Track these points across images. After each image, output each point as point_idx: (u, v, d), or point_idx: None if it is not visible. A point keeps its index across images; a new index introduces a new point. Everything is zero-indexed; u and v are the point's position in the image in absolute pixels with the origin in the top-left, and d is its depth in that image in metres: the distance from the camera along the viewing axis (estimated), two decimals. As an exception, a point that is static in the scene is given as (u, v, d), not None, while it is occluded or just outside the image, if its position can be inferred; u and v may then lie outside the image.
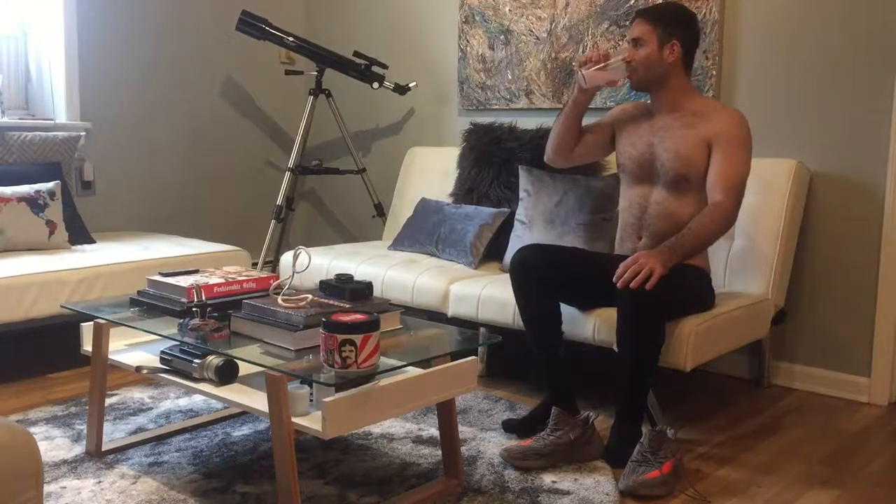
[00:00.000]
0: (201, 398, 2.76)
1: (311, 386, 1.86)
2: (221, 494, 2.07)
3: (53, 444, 2.37)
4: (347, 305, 2.05)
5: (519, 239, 3.18)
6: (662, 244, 2.36)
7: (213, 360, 2.01)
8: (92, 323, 2.27)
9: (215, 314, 2.13)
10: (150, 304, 2.27)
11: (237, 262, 3.39)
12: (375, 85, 4.00)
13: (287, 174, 4.12)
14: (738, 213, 2.48)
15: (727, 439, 2.55)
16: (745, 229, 2.92)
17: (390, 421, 2.57)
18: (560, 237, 3.05)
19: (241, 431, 2.49)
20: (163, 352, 2.13)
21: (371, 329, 1.75)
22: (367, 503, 2.05)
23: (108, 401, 2.71)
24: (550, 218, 3.11)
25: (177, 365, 2.08)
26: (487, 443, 2.43)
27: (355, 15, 4.46)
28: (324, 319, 1.76)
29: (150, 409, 2.69)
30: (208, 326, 2.05)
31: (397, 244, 3.57)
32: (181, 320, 2.10)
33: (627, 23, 2.70)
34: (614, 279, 2.27)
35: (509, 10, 3.76)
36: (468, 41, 3.93)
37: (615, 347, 2.52)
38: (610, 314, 2.53)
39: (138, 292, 2.32)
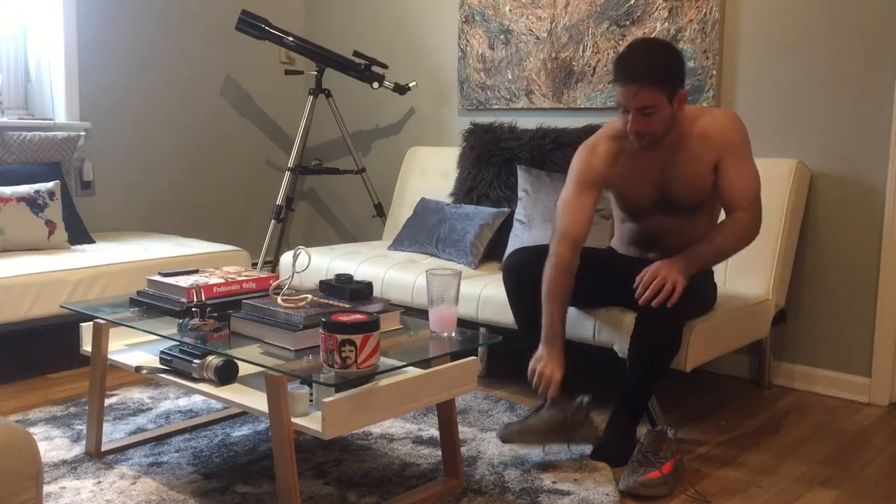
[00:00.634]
0: (201, 398, 2.76)
1: (310, 386, 1.86)
2: (221, 495, 2.07)
3: (53, 445, 2.37)
4: (347, 305, 2.05)
5: (518, 239, 3.18)
6: (681, 254, 2.26)
7: (213, 360, 2.01)
8: (91, 323, 2.27)
9: (215, 314, 2.12)
10: (150, 304, 2.27)
11: (237, 263, 3.39)
12: (375, 85, 3.99)
13: (287, 174, 4.11)
14: (761, 224, 2.36)
15: (727, 439, 2.55)
16: (746, 229, 2.92)
17: (390, 421, 2.57)
18: (560, 237, 3.04)
19: (241, 431, 2.49)
20: (162, 352, 2.13)
21: (371, 329, 1.75)
22: (366, 503, 2.04)
23: (107, 401, 2.71)
24: (550, 217, 3.10)
25: (176, 365, 2.08)
26: (487, 443, 2.43)
27: (355, 15, 4.46)
28: (324, 319, 1.76)
29: (150, 409, 2.68)
30: (208, 326, 2.04)
31: (397, 244, 3.57)
32: (181, 320, 2.10)
33: (612, 71, 2.29)
34: (636, 296, 2.21)
35: (509, 10, 3.76)
36: (468, 41, 3.93)
37: (616, 349, 2.52)
38: (610, 315, 2.53)
39: (138, 292, 2.32)
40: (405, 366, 1.93)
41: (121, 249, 3.39)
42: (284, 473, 1.79)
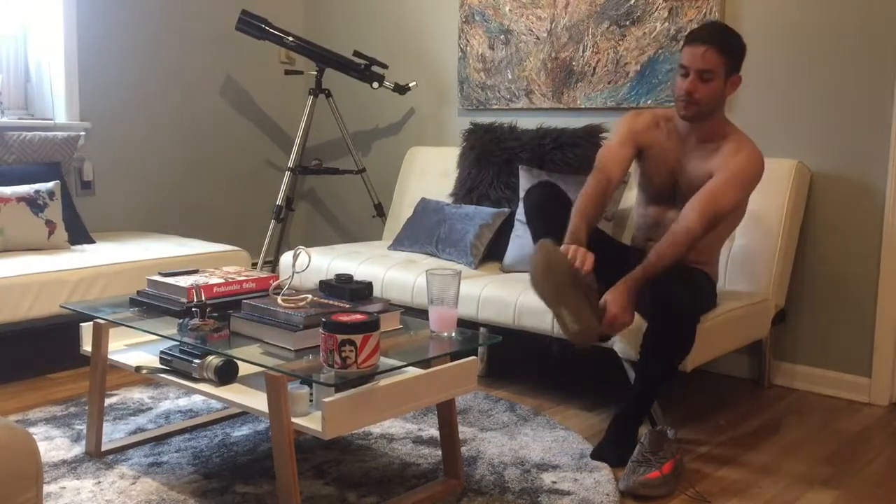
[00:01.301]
0: (201, 398, 2.76)
1: (310, 386, 1.86)
2: (221, 495, 2.07)
3: (53, 445, 2.37)
4: (347, 305, 2.05)
5: (519, 239, 3.18)
6: (629, 283, 2.31)
7: (213, 360, 2.01)
8: (91, 323, 2.27)
9: (215, 314, 2.12)
10: (150, 304, 2.27)
11: (237, 262, 3.39)
12: (375, 85, 3.99)
13: (287, 174, 4.12)
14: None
15: (727, 439, 2.55)
16: (745, 229, 2.92)
17: (390, 421, 2.57)
18: (560, 237, 3.04)
19: (241, 431, 2.49)
20: (162, 352, 2.13)
21: (371, 329, 1.75)
22: (366, 503, 2.04)
23: (107, 401, 2.71)
24: (550, 218, 3.11)
25: (176, 365, 2.08)
26: (487, 443, 2.43)
27: (355, 15, 4.46)
28: (323, 319, 1.76)
29: (150, 409, 2.68)
30: (208, 326, 2.04)
31: (397, 244, 3.57)
32: (181, 320, 2.10)
33: (683, 42, 2.44)
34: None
35: (509, 10, 3.76)
36: (468, 41, 3.93)
37: (616, 349, 2.51)
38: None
39: (138, 292, 2.32)
40: (405, 366, 1.93)
41: (121, 249, 3.39)
42: (284, 473, 1.79)
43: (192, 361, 2.03)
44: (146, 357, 2.25)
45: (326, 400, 1.72)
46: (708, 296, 2.55)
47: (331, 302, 2.09)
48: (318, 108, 4.31)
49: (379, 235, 4.14)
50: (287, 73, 4.35)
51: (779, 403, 2.92)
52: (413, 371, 1.96)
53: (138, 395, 2.82)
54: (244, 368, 2.04)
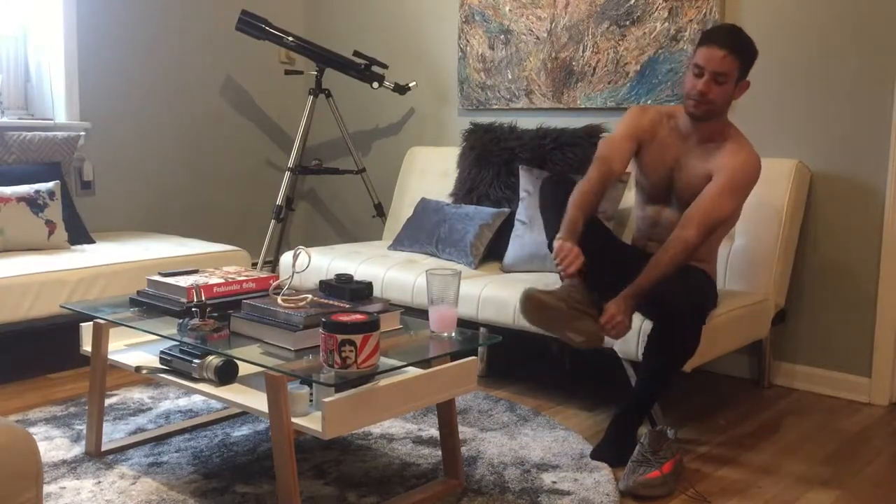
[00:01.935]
0: (201, 398, 2.76)
1: (310, 386, 1.86)
2: (221, 495, 2.07)
3: (53, 445, 2.37)
4: (347, 305, 2.05)
5: (519, 239, 3.18)
6: (630, 293, 2.31)
7: (213, 360, 2.01)
8: (91, 323, 2.27)
9: (215, 314, 2.12)
10: (150, 304, 2.27)
11: (237, 262, 3.39)
12: (375, 85, 3.99)
13: (287, 174, 4.11)
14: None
15: (727, 439, 2.55)
16: (745, 229, 2.92)
17: (390, 421, 2.57)
18: (560, 237, 3.04)
19: (241, 432, 2.49)
20: (162, 352, 2.13)
21: (371, 329, 1.75)
22: (366, 503, 2.04)
23: (107, 401, 2.71)
24: (550, 218, 3.11)
25: (176, 365, 2.08)
26: (487, 443, 2.43)
27: (355, 15, 4.46)
28: (323, 319, 1.76)
29: (150, 409, 2.68)
30: (208, 326, 2.04)
31: (397, 244, 3.57)
32: (181, 320, 2.10)
33: (699, 41, 2.43)
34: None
35: (509, 10, 3.76)
36: (468, 41, 3.93)
37: (616, 349, 2.51)
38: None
39: (138, 292, 2.32)
40: (405, 366, 1.93)
41: (121, 249, 3.39)
42: (284, 473, 1.79)
43: (192, 361, 2.03)
44: (146, 357, 2.25)
45: (326, 400, 1.72)
46: (709, 295, 2.55)
47: (331, 302, 2.09)
48: (318, 108, 4.31)
49: (379, 235, 4.14)
50: (287, 73, 4.35)
51: (779, 403, 2.92)
52: (413, 371, 1.96)
53: (138, 395, 2.82)
54: (244, 368, 2.04)
